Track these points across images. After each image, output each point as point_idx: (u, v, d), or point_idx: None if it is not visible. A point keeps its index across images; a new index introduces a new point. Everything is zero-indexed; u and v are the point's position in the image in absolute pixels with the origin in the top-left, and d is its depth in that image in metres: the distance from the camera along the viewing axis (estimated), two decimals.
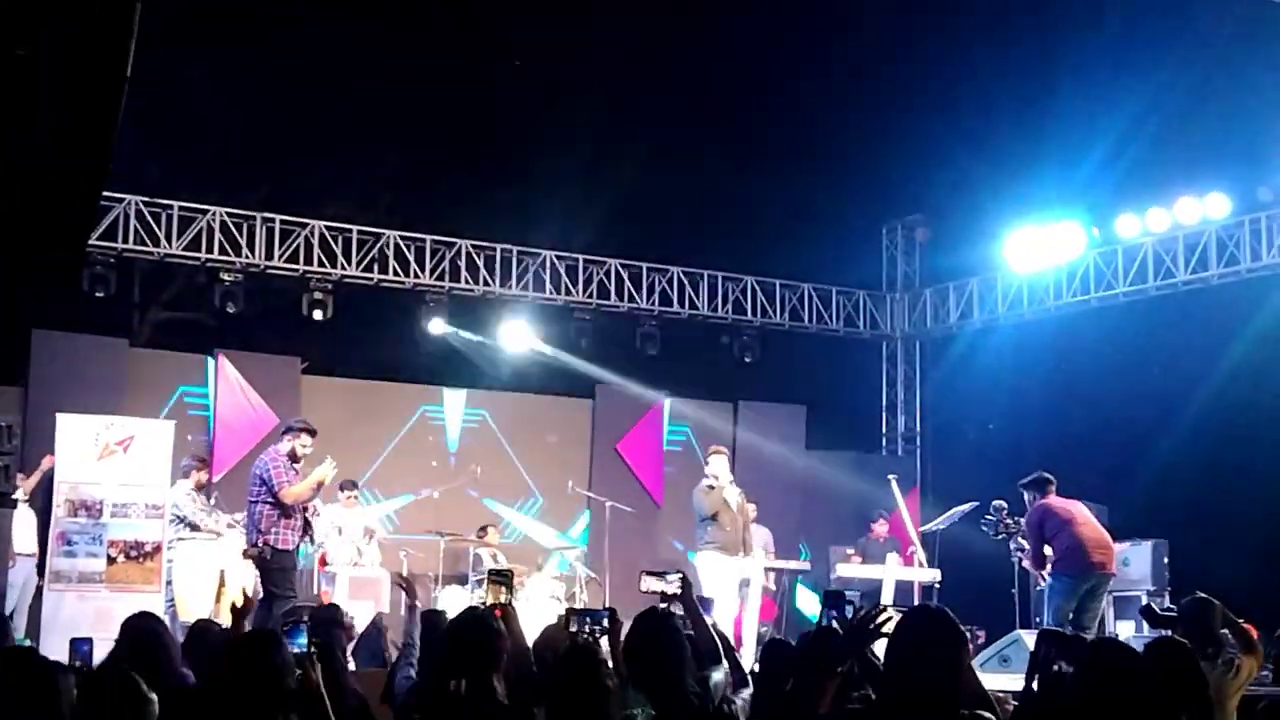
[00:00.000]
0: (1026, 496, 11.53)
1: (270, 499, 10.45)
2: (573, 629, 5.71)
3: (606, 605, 14.38)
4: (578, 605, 12.86)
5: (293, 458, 10.70)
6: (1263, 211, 14.73)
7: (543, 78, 16.85)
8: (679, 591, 6.31)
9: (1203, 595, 7.86)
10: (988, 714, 4.40)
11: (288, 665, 4.68)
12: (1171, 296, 15.66)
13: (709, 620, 6.35)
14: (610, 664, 5.08)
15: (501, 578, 5.84)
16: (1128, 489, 13.36)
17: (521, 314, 16.94)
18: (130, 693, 4.35)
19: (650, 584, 6.67)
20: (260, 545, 10.40)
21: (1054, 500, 11.29)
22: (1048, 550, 11.25)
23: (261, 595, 10.25)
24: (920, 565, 14.04)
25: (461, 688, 4.78)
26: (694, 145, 17.67)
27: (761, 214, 17.96)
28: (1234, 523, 13.85)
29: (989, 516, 12.79)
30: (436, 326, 16.36)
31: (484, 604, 5.69)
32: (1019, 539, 12.40)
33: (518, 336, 16.84)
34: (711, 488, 12.15)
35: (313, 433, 11.02)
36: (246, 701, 4.45)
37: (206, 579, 11.78)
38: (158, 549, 12.61)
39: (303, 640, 5.08)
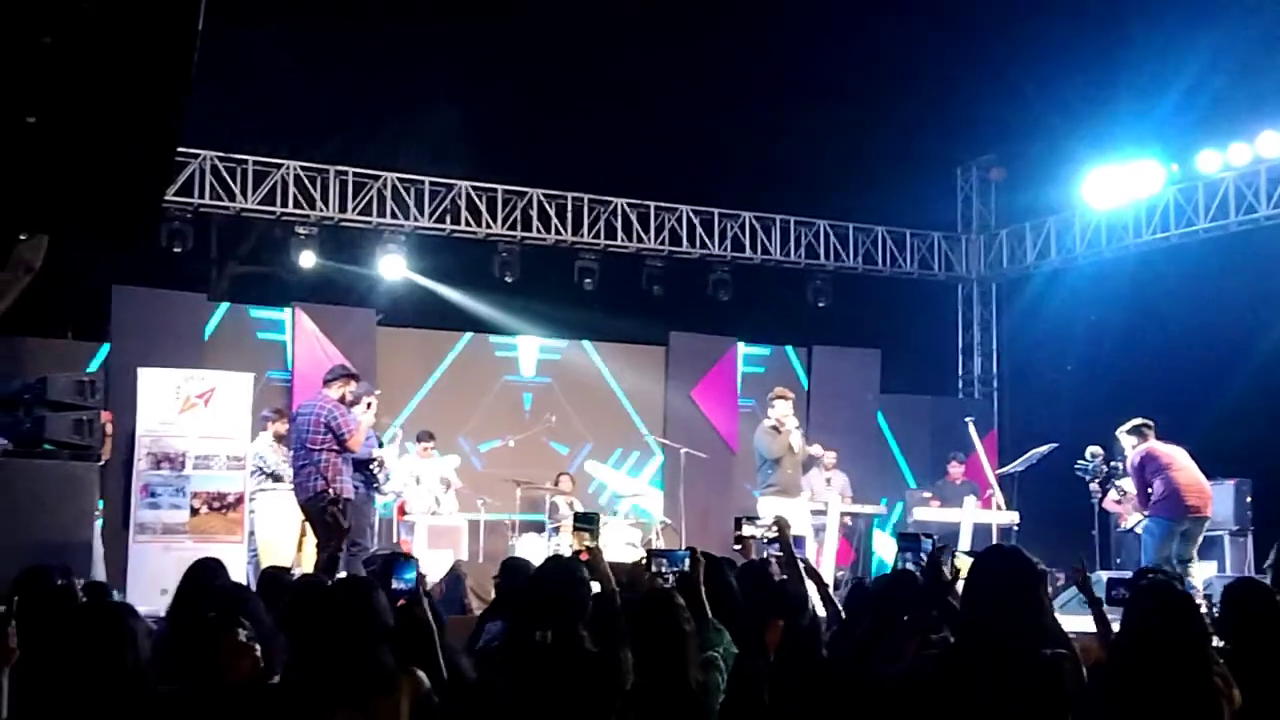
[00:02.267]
0: (1128, 441, 11.75)
1: (337, 447, 10.44)
2: (652, 570, 5.71)
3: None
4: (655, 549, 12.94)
5: (343, 403, 10.66)
6: None
7: (609, 24, 16.78)
8: (777, 535, 6.34)
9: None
10: (1064, 650, 4.39)
11: (385, 609, 4.69)
12: (1253, 232, 15.38)
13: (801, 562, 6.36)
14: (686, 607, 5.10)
15: (587, 522, 5.83)
16: (1208, 428, 13.17)
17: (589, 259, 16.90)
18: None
19: (748, 529, 6.74)
20: (332, 493, 10.35)
21: (1155, 445, 11.67)
22: (1149, 492, 11.60)
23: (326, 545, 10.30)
24: (998, 508, 13.98)
25: (548, 637, 4.78)
26: (764, 89, 17.55)
27: (833, 156, 17.80)
28: None
29: (1083, 461, 12.88)
30: (509, 276, 16.40)
31: (571, 549, 5.71)
32: (1116, 482, 12.60)
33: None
34: (776, 430, 12.17)
35: (358, 378, 11.05)
36: (340, 644, 4.48)
37: (289, 528, 11.96)
38: (240, 500, 12.80)
39: (411, 575, 5.04)
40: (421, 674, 4.52)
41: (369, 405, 11.14)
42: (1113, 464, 13.03)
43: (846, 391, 17.44)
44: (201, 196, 15.20)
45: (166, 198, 14.01)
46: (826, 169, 18.03)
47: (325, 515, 10.35)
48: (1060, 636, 4.63)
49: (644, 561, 5.79)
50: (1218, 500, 12.82)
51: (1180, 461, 11.51)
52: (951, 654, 4.63)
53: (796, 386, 16.40)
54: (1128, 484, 12.66)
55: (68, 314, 14.90)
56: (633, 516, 15.28)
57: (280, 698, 4.29)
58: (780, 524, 6.48)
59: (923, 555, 5.72)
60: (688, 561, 5.63)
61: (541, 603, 4.89)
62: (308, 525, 10.94)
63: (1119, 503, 13.72)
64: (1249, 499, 13.59)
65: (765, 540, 6.61)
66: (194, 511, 12.78)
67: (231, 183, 15.35)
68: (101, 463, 11.78)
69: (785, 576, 6.09)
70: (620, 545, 13.47)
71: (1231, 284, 15.23)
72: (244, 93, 15.46)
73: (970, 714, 4.20)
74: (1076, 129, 16.39)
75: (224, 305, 15.61)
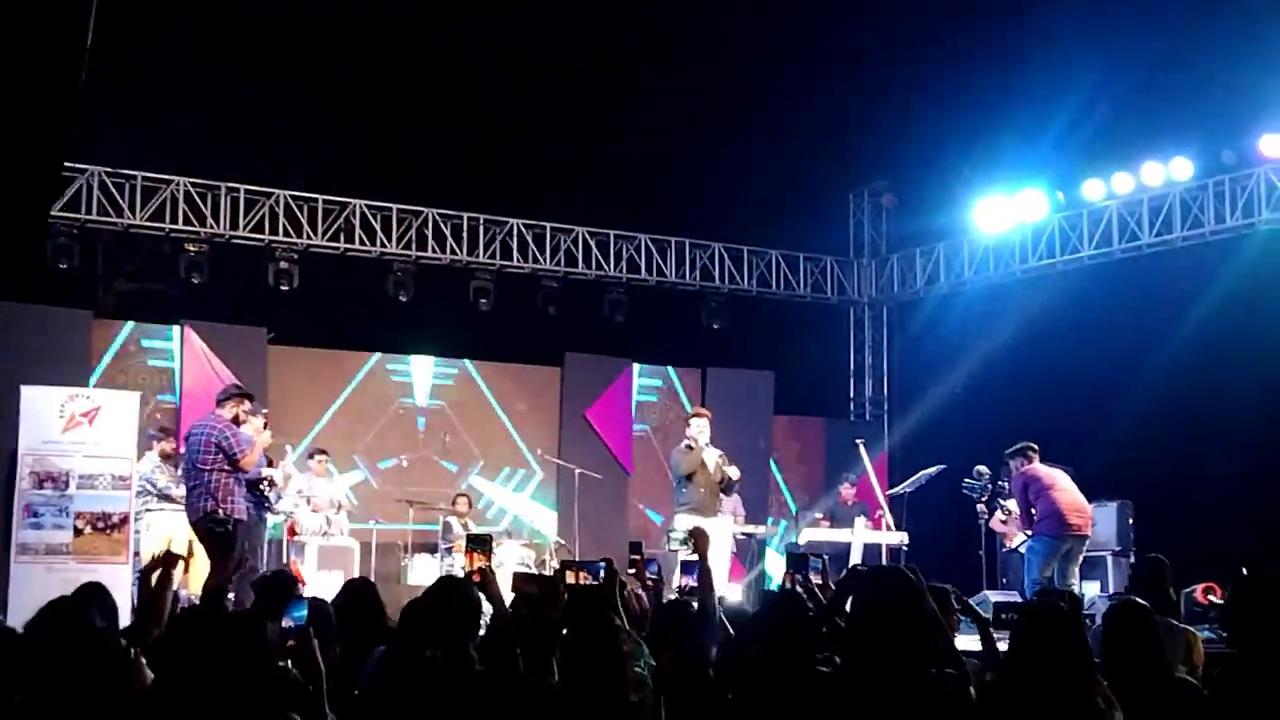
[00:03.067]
0: (1012, 464, 12.15)
1: (228, 467, 10.32)
2: (568, 581, 5.68)
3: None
4: (548, 571, 12.92)
5: (235, 423, 10.59)
6: (1226, 174, 14.81)
7: (508, 49, 16.77)
8: (697, 559, 6.33)
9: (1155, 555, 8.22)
10: (954, 670, 4.44)
11: (269, 646, 4.62)
12: (1136, 259, 15.76)
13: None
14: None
15: (479, 543, 5.80)
16: (1093, 451, 13.47)
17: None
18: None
19: (674, 544, 6.77)
20: (222, 514, 10.26)
21: (1038, 466, 12.12)
22: (1033, 513, 12.01)
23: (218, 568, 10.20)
24: (888, 528, 14.14)
25: (438, 656, 4.76)
26: (660, 113, 17.62)
27: (728, 180, 17.94)
28: (1197, 484, 13.99)
29: (970, 480, 13.17)
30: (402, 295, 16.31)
31: (463, 569, 5.66)
32: (999, 501, 12.96)
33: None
34: (690, 448, 12.22)
35: (251, 398, 10.98)
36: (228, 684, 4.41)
37: (175, 549, 11.74)
38: (125, 520, 12.57)
39: (301, 614, 4.90)
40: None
41: (265, 425, 11.04)
42: (998, 484, 13.33)
43: (740, 413, 17.54)
44: (89, 212, 14.94)
45: (53, 213, 13.76)
46: (722, 193, 18.16)
47: (215, 536, 10.25)
48: (951, 656, 4.69)
49: (560, 572, 5.74)
50: (1101, 521, 13.12)
51: (1061, 483, 11.91)
52: (839, 675, 4.67)
53: (681, 410, 16.54)
54: (1013, 504, 12.92)
55: None
56: (526, 537, 15.27)
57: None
58: (697, 534, 6.47)
59: (812, 574, 5.78)
60: (603, 573, 5.62)
61: (431, 622, 4.87)
62: (196, 546, 10.78)
63: (1004, 523, 13.97)
64: (1130, 520, 13.90)
65: (676, 550, 6.59)
66: (78, 532, 12.53)
67: (120, 198, 15.11)
68: None
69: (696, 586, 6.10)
70: (514, 566, 13.42)
71: (1115, 310, 15.58)
72: (133, 107, 15.19)
73: None
74: (966, 157, 16.67)
75: (111, 322, 15.34)
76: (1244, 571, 5.24)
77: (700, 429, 12.35)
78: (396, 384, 16.72)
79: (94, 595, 6.18)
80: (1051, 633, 4.51)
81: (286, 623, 4.85)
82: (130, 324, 15.50)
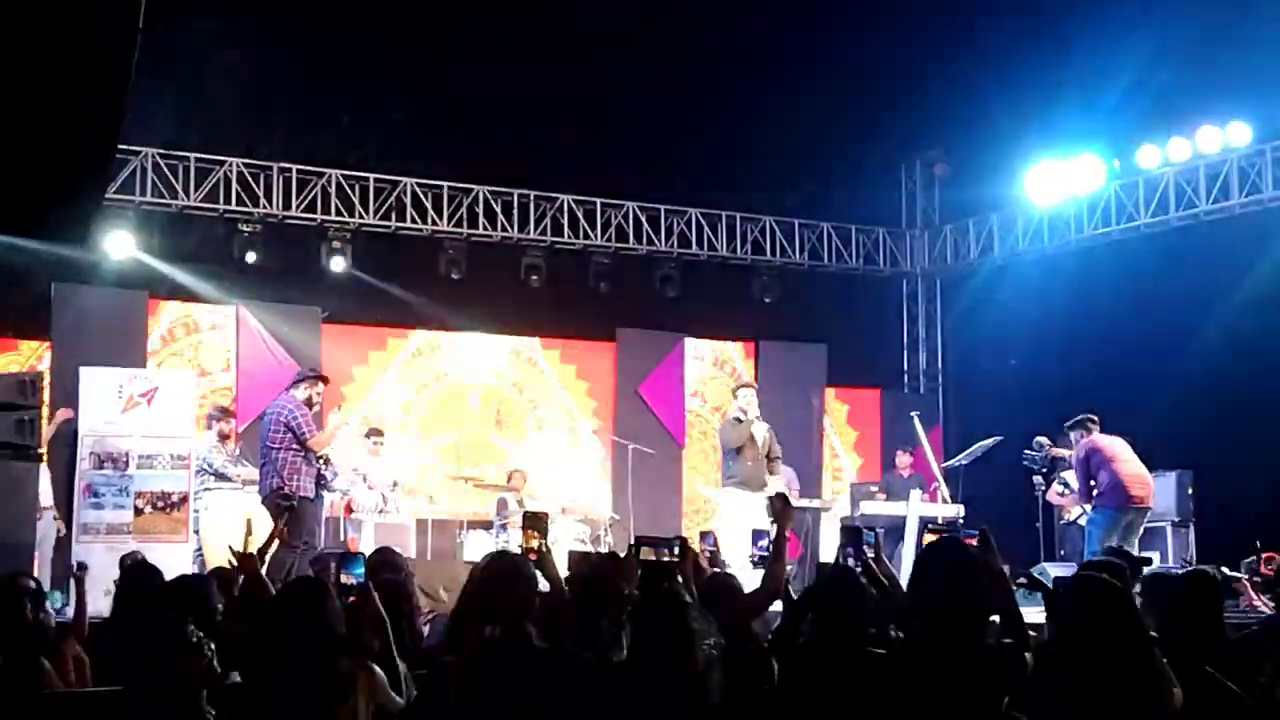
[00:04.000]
0: (1073, 436, 12.07)
1: (296, 446, 10.53)
2: (642, 557, 5.65)
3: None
4: (602, 548, 12.96)
5: (308, 405, 10.77)
6: None
7: (554, 22, 16.73)
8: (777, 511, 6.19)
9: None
10: (1013, 641, 4.41)
11: (337, 613, 4.67)
12: (1193, 227, 15.57)
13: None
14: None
15: (535, 521, 5.77)
16: (1150, 420, 13.33)
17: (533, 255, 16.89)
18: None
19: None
20: (289, 493, 10.48)
21: (1099, 438, 12.12)
22: (1092, 484, 12.02)
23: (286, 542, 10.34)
24: (944, 501, 14.07)
25: (496, 633, 4.76)
26: (710, 86, 17.53)
27: (779, 153, 17.81)
28: (1256, 452, 13.83)
29: (1030, 451, 13.07)
30: (455, 272, 16.36)
31: (521, 547, 5.64)
32: (1061, 473, 12.84)
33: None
34: (739, 420, 12.18)
35: (326, 380, 11.18)
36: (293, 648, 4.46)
37: (234, 528, 11.86)
38: (184, 499, 12.69)
39: (360, 570, 5.09)
40: (377, 670, 4.50)
41: (337, 407, 11.24)
42: (1057, 455, 13.20)
43: (793, 386, 17.50)
44: (143, 194, 15.07)
45: (108, 195, 13.87)
46: (772, 165, 18.05)
47: (280, 512, 10.43)
48: (1016, 627, 4.61)
49: (633, 549, 5.69)
50: (1160, 492, 13.01)
51: (1123, 454, 11.79)
52: (898, 647, 4.65)
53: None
54: (1071, 477, 12.82)
55: (9, 313, 14.72)
56: (581, 513, 15.30)
57: (236, 701, 4.26)
58: (778, 501, 6.28)
59: (865, 547, 5.74)
60: (677, 549, 5.58)
61: (487, 599, 4.87)
62: (253, 525, 10.88)
63: (1062, 495, 13.87)
64: (1190, 490, 13.77)
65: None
66: (138, 511, 12.66)
67: (174, 180, 15.24)
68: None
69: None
70: (570, 542, 13.47)
71: (1172, 279, 15.40)
72: (186, 89, 15.27)
73: (916, 705, 4.21)
74: (1019, 125, 16.49)
75: (167, 303, 15.47)
76: None
77: (749, 401, 12.30)
78: (449, 361, 16.79)
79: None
80: (1097, 605, 4.46)
81: (346, 579, 4.94)
82: (187, 305, 15.62)
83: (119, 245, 15.03)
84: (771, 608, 6.11)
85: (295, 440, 10.56)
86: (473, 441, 15.84)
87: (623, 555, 5.64)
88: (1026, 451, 13.47)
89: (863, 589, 5.28)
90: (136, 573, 6.73)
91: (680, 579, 5.38)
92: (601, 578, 5.46)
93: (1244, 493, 13.57)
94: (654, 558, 5.48)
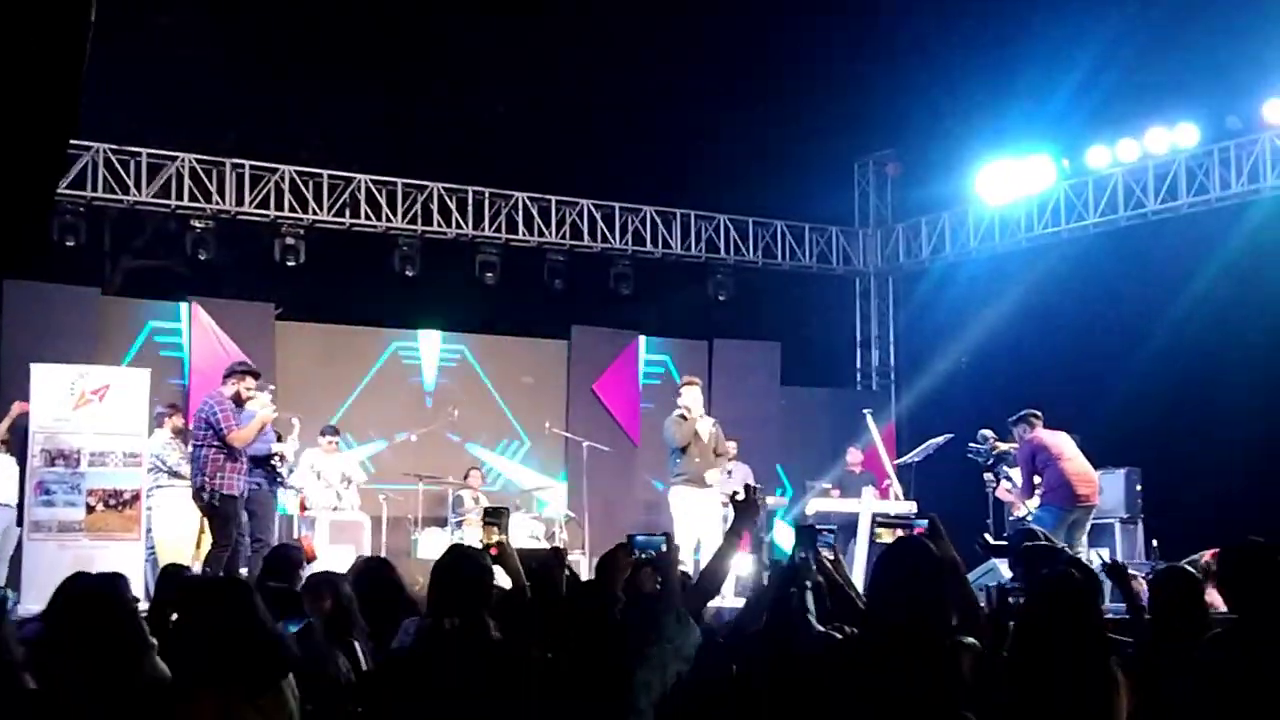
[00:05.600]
0: (1016, 431, 12.12)
1: (217, 443, 10.33)
2: (635, 554, 5.65)
3: (586, 545, 14.56)
4: (558, 544, 12.96)
5: (237, 401, 10.60)
6: (1231, 140, 14.80)
7: (507, 17, 16.74)
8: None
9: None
10: (973, 640, 4.43)
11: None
12: (1142, 226, 15.75)
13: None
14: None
15: (495, 516, 5.80)
16: (1099, 418, 13.46)
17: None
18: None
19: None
20: (209, 491, 10.32)
21: (1043, 434, 12.03)
22: (1036, 480, 12.02)
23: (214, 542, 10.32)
24: (896, 498, 14.16)
25: (455, 624, 4.79)
26: (664, 84, 17.59)
27: (733, 152, 17.92)
28: (1205, 449, 13.99)
29: (975, 444, 13.14)
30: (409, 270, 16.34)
31: (481, 542, 5.66)
32: (1004, 467, 12.87)
33: None
34: (683, 418, 12.16)
35: (256, 375, 10.99)
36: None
37: (187, 526, 11.82)
38: (136, 497, 12.60)
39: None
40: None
41: (271, 400, 11.07)
42: (1000, 450, 13.24)
43: (747, 384, 17.56)
44: (94, 189, 14.96)
45: (58, 190, 13.76)
46: (726, 164, 18.15)
47: (205, 512, 10.44)
48: (972, 621, 4.64)
49: (626, 547, 5.66)
50: (1108, 489, 13.12)
51: (1068, 451, 11.83)
52: (853, 643, 4.67)
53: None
54: (1017, 474, 12.91)
55: None
56: (536, 511, 15.33)
57: (171, 695, 4.23)
58: (748, 491, 6.27)
59: (822, 548, 5.76)
60: (665, 546, 5.59)
61: (444, 592, 4.89)
62: (206, 522, 10.87)
63: (1011, 492, 13.97)
64: (1139, 487, 13.88)
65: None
66: (90, 509, 12.56)
67: (125, 175, 15.14)
68: None
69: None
70: (524, 539, 13.48)
71: (1120, 277, 15.58)
72: (138, 84, 15.21)
73: (869, 702, 4.24)
74: (970, 125, 16.65)
75: (117, 299, 15.36)
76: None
77: (693, 398, 12.28)
78: (403, 358, 16.74)
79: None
80: (1067, 606, 4.52)
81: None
82: (138, 301, 15.53)
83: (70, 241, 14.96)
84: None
85: (216, 436, 10.34)
86: (427, 439, 15.80)
87: (612, 552, 5.59)
88: (971, 445, 13.54)
89: (818, 587, 5.31)
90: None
91: (664, 577, 5.40)
92: (543, 570, 5.51)
93: (1192, 490, 13.72)
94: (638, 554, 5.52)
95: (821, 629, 4.90)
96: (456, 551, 5.17)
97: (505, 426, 17.02)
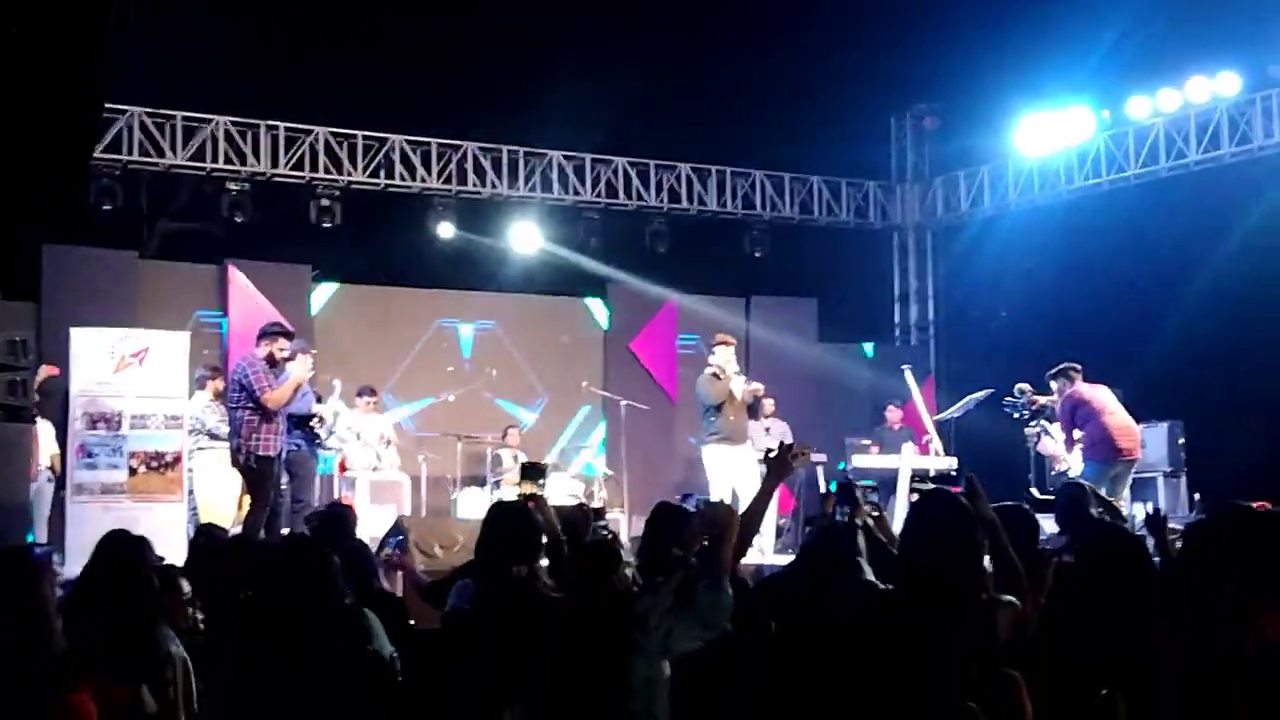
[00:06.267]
0: (1055, 385, 12.02)
1: (251, 404, 10.33)
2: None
3: (625, 503, 14.58)
4: (596, 504, 12.99)
5: (271, 362, 10.55)
6: (1274, 89, 14.62)
7: None
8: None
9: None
10: (1011, 598, 4.39)
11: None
12: (1183, 177, 15.58)
13: None
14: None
15: (534, 470, 5.82)
16: (1140, 371, 13.37)
17: (530, 216, 16.90)
18: None
19: None
20: (245, 453, 10.35)
21: (1083, 388, 11.99)
22: (1076, 435, 11.94)
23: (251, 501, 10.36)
24: (936, 454, 14.10)
25: (523, 572, 4.79)
26: (697, 39, 17.46)
27: (768, 107, 17.76)
28: (1247, 402, 13.88)
29: (1012, 398, 13.04)
30: (445, 230, 16.34)
31: (519, 497, 5.67)
32: (1042, 422, 12.77)
33: (527, 238, 16.78)
34: (716, 377, 12.15)
35: (290, 335, 10.92)
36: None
37: (228, 487, 11.89)
38: (178, 459, 12.68)
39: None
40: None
41: (308, 362, 11.06)
42: (1039, 404, 13.12)
43: (785, 341, 17.50)
44: (130, 153, 15.00)
45: (95, 155, 13.80)
46: (762, 119, 18.01)
47: (242, 474, 10.47)
48: (1013, 579, 4.59)
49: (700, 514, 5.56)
50: (1151, 443, 13.05)
51: (1110, 405, 11.75)
52: (888, 599, 4.63)
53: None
54: (1056, 428, 12.83)
55: None
56: (574, 470, 15.35)
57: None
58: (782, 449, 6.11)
59: (865, 505, 5.72)
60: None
61: (496, 546, 4.89)
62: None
63: (1052, 447, 13.88)
64: (1181, 440, 13.80)
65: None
66: (132, 471, 12.65)
67: (160, 139, 15.17)
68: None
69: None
70: (562, 498, 13.49)
71: (1162, 229, 15.41)
72: (172, 47, 15.20)
73: (903, 658, 4.20)
74: (1009, 76, 16.44)
75: (156, 262, 15.42)
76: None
77: (726, 357, 12.26)
78: (441, 319, 16.76)
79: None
80: (1118, 561, 4.47)
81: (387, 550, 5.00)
82: (176, 263, 15.59)
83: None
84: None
85: (250, 398, 10.34)
86: (466, 398, 15.83)
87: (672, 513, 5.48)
88: (1007, 399, 13.43)
89: (855, 544, 5.28)
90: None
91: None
92: (569, 526, 5.53)
93: (1235, 443, 13.61)
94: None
95: (868, 578, 4.88)
96: (500, 508, 5.18)
97: (541, 386, 17.02)
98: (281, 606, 4.52)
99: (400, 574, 7.40)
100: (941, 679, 4.07)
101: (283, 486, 10.94)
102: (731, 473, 11.95)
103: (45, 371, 12.51)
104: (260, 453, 10.36)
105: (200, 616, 5.03)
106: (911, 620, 4.19)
